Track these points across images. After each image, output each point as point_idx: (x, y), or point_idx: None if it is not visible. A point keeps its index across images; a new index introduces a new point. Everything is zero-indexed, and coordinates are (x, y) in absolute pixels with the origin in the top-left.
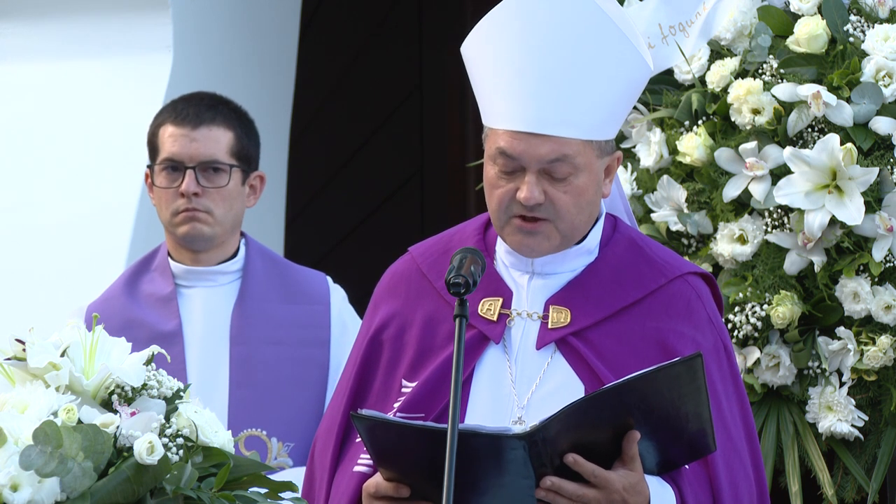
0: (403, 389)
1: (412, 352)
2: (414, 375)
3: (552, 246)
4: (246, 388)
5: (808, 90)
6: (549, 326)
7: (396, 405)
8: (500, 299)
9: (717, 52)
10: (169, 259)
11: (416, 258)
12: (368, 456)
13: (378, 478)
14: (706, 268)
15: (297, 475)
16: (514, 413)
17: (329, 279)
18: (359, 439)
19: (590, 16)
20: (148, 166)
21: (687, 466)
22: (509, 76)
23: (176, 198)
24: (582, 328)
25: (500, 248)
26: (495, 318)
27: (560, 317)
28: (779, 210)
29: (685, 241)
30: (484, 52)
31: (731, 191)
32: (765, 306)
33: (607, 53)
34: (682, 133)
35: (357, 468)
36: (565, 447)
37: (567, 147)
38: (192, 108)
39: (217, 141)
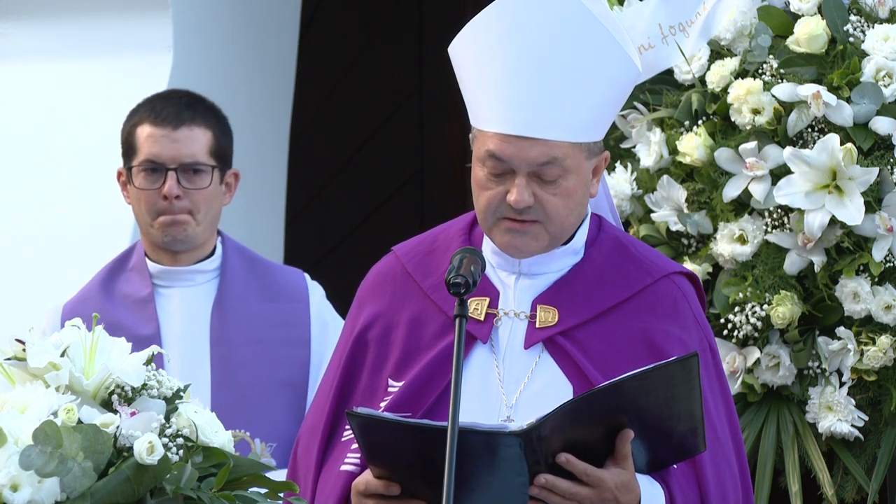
0: (390, 389)
1: (398, 352)
2: (400, 375)
3: (540, 247)
4: (228, 389)
5: (808, 90)
6: (537, 326)
7: (383, 405)
8: (487, 299)
9: (717, 52)
10: (146, 259)
11: (400, 258)
12: (356, 455)
13: (368, 475)
14: (706, 268)
15: (279, 477)
16: (502, 412)
17: (307, 276)
18: (345, 438)
19: (577, 17)
20: (124, 167)
21: (675, 466)
22: (498, 78)
23: (157, 199)
24: (569, 327)
25: (487, 247)
26: (482, 318)
27: (548, 316)
28: (779, 210)
29: (685, 241)
30: (472, 53)
31: (731, 191)
32: (765, 306)
33: (595, 55)
34: (682, 133)
35: (344, 467)
36: (559, 445)
37: (557, 150)
38: (171, 108)
39: (197, 141)
